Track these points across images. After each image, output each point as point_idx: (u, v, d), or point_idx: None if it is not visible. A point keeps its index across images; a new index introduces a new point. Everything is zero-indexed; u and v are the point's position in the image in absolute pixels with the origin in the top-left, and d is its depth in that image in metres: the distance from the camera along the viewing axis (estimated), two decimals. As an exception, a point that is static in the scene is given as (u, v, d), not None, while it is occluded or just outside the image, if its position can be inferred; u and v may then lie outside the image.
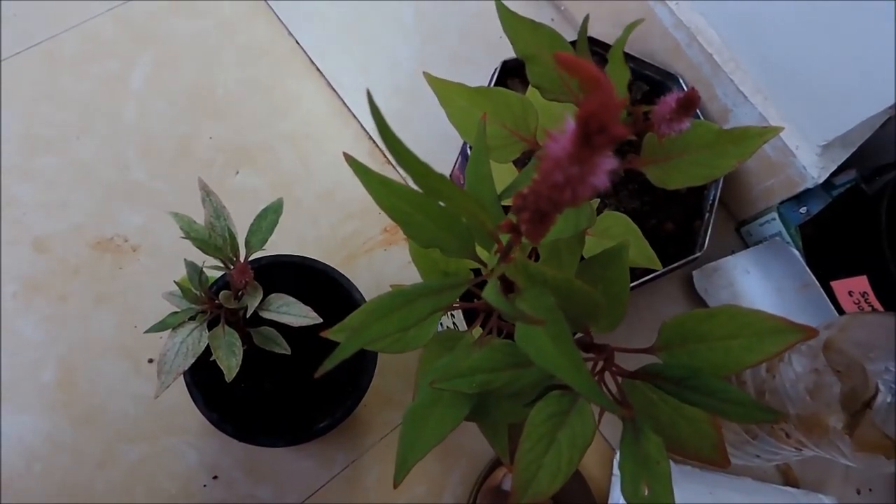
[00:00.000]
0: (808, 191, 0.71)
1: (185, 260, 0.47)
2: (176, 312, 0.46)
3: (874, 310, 0.68)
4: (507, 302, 0.26)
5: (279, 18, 0.83)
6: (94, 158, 0.74)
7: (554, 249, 0.34)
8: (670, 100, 0.29)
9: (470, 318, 0.61)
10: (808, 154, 0.69)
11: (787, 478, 0.73)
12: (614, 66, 0.33)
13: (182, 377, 0.54)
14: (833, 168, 0.69)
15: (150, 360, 0.68)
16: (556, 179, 0.18)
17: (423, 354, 0.39)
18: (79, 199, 0.72)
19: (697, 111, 0.74)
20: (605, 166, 0.18)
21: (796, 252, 0.73)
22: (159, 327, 0.45)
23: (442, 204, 0.30)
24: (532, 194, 0.20)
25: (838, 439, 0.54)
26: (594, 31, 0.76)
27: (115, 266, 0.70)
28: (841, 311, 0.71)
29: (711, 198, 0.71)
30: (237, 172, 0.75)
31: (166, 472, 0.65)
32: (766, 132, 0.33)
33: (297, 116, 0.79)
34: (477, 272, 0.34)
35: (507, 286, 0.34)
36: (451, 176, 0.73)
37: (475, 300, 0.38)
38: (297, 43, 0.82)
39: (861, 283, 0.68)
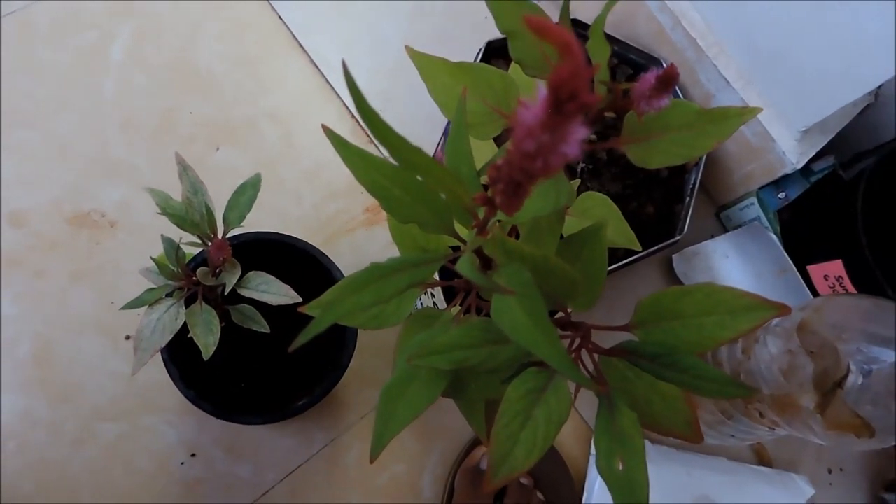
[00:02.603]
0: (787, 176, 0.72)
1: (161, 236, 0.46)
2: (153, 289, 0.45)
3: (848, 293, 0.69)
4: (480, 274, 0.26)
5: (262, -7, 0.82)
6: (73, 133, 0.73)
7: (533, 228, 0.34)
8: (650, 76, 0.29)
9: (450, 297, 0.61)
10: (787, 140, 0.70)
11: (761, 457, 0.75)
12: (595, 43, 0.33)
13: (160, 354, 0.54)
14: (812, 154, 0.70)
15: (128, 337, 0.67)
16: (528, 148, 0.18)
17: (401, 332, 0.39)
18: (56, 174, 0.71)
19: (679, 94, 0.75)
20: (576, 135, 0.18)
21: (774, 237, 0.74)
22: (136, 304, 0.45)
23: (420, 178, 0.30)
24: (505, 165, 0.20)
25: (810, 418, 0.55)
26: (580, 15, 0.76)
27: (93, 241, 0.69)
28: (816, 295, 0.72)
29: (692, 182, 0.72)
30: (218, 149, 0.75)
31: (144, 449, 0.64)
32: (746, 112, 0.33)
33: (280, 94, 0.78)
34: (456, 249, 0.34)
35: (486, 263, 0.34)
36: (433, 156, 0.73)
37: (455, 279, 0.38)
38: (281, 19, 0.81)
39: (836, 267, 0.69)
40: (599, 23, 0.33)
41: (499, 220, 0.34)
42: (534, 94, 0.18)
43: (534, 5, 0.38)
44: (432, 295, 0.62)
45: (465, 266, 0.27)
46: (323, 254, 0.59)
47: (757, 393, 0.56)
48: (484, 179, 0.34)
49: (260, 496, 0.65)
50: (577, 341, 0.35)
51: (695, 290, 0.33)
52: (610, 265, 0.66)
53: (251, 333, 0.50)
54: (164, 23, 0.78)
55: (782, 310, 0.31)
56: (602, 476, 0.31)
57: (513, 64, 0.41)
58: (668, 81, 0.28)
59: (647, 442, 0.35)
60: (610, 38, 0.75)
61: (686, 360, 0.31)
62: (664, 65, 0.75)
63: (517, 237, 0.38)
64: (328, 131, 0.32)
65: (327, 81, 0.79)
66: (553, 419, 0.31)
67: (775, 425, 0.59)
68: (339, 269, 0.59)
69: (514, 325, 0.26)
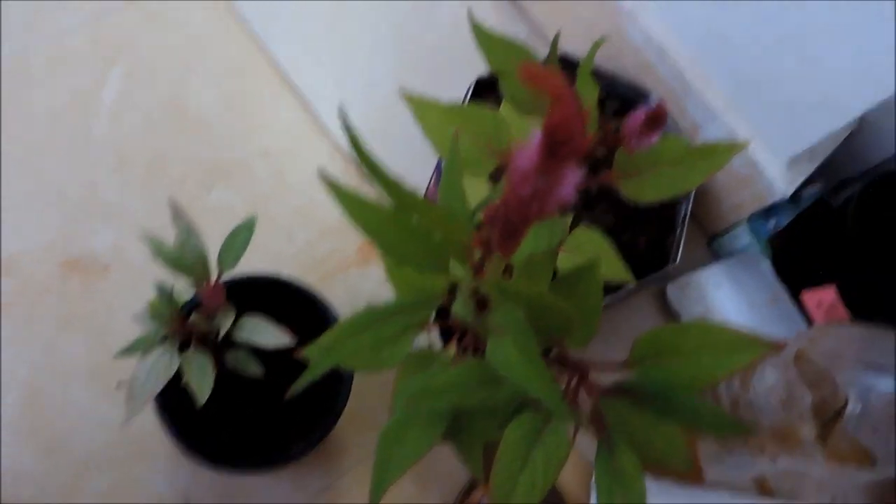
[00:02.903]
0: (776, 204, 0.72)
1: (155, 282, 0.46)
2: (145, 336, 0.45)
3: (843, 320, 0.69)
4: (473, 312, 0.26)
5: (254, 33, 0.83)
6: (64, 176, 0.73)
7: (527, 265, 0.34)
8: (640, 114, 0.29)
9: (446, 337, 0.61)
10: (775, 168, 0.71)
11: (763, 489, 0.74)
12: (583, 83, 0.33)
13: (153, 403, 0.53)
14: (800, 181, 0.71)
15: (119, 385, 0.66)
16: (524, 192, 0.19)
17: (398, 374, 0.39)
18: (47, 218, 0.71)
19: (669, 127, 0.75)
20: (571, 178, 0.18)
21: (766, 265, 0.74)
22: (129, 351, 0.44)
23: (414, 220, 0.30)
24: (502, 208, 0.20)
25: (811, 449, 0.54)
26: (566, 49, 0.77)
27: (85, 286, 0.69)
28: (811, 322, 0.72)
29: (683, 212, 0.72)
30: (210, 190, 0.75)
31: (136, 500, 0.63)
32: (734, 147, 0.34)
33: (271, 133, 0.78)
34: (452, 288, 0.33)
35: (482, 303, 0.34)
36: (426, 194, 0.73)
37: (451, 319, 0.38)
38: (272, 58, 0.82)
39: (829, 293, 0.69)
40: (587, 65, 0.33)
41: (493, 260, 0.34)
42: (528, 137, 0.18)
43: (524, 47, 0.39)
44: (428, 335, 0.62)
45: (461, 308, 0.26)
46: (317, 294, 0.59)
47: (755, 430, 0.56)
48: (479, 218, 0.34)
49: (255, 544, 0.63)
50: (575, 380, 0.34)
51: (690, 326, 0.33)
52: (604, 298, 0.66)
53: (245, 378, 0.50)
54: (155, 65, 0.79)
55: (776, 346, 0.31)
56: (605, 518, 0.30)
57: (504, 103, 0.42)
58: (658, 120, 0.29)
59: (646, 477, 0.35)
60: (597, 72, 0.77)
61: (685, 398, 0.31)
62: (651, 97, 0.76)
63: (510, 275, 0.38)
64: (323, 176, 0.33)
65: (318, 120, 0.80)
66: (552, 461, 0.30)
67: (776, 457, 0.59)
68: (333, 310, 0.59)
69: (507, 363, 0.26)
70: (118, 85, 0.77)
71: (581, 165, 0.19)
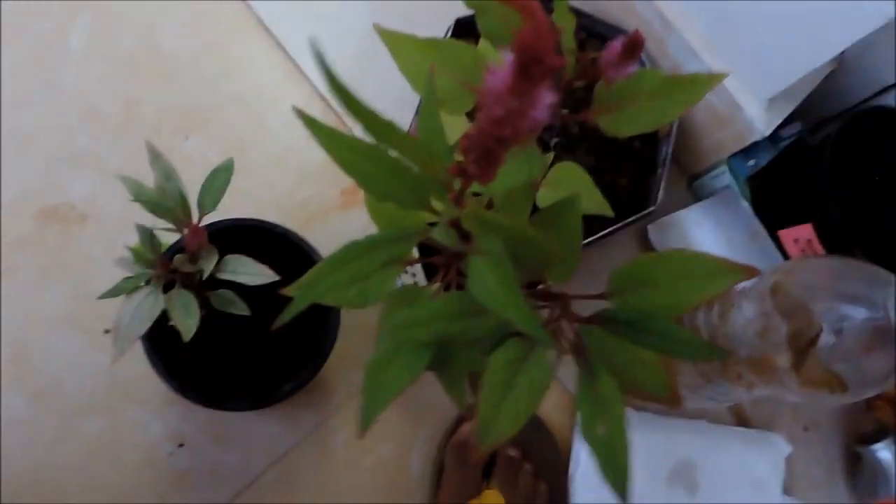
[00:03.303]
0: (755, 144, 0.73)
1: (136, 224, 0.46)
2: (130, 277, 0.45)
3: (818, 255, 0.70)
4: (455, 241, 0.27)
5: (224, -24, 0.80)
6: (34, 126, 0.71)
7: (506, 199, 0.34)
8: (616, 44, 0.29)
9: (430, 274, 0.61)
10: (755, 108, 0.71)
11: (740, 418, 0.77)
12: (560, 14, 0.33)
13: (141, 346, 0.54)
14: (779, 121, 0.71)
15: (106, 331, 0.66)
16: (498, 114, 0.19)
17: (383, 309, 0.40)
18: (20, 169, 0.70)
19: (647, 64, 0.75)
20: (544, 99, 0.18)
21: (745, 203, 0.75)
22: (113, 293, 0.44)
23: (394, 155, 0.30)
24: (477, 133, 0.21)
25: (786, 377, 0.56)
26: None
27: (63, 236, 0.68)
28: (788, 258, 0.74)
29: (664, 153, 0.73)
30: (187, 137, 0.74)
31: (129, 442, 0.64)
32: (713, 78, 0.34)
33: (246, 78, 0.77)
34: (434, 226, 0.34)
35: (464, 237, 0.34)
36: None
37: (435, 256, 0.38)
38: (246, 1, 0.79)
39: (806, 230, 0.70)
40: (565, -6, 0.33)
41: (475, 194, 0.35)
42: (501, 62, 0.18)
43: (501, -22, 0.38)
44: (413, 273, 0.62)
45: (441, 233, 0.27)
46: (301, 237, 0.59)
47: (730, 355, 0.58)
48: (457, 155, 0.34)
49: (249, 483, 0.65)
50: (557, 312, 0.35)
51: (668, 256, 0.33)
52: (586, 237, 0.67)
53: (233, 320, 0.50)
54: (123, 9, 0.76)
55: (751, 272, 0.32)
56: (586, 441, 0.31)
57: (482, 39, 0.41)
58: (635, 47, 0.29)
59: (628, 409, 0.36)
60: (577, 12, 0.75)
61: (662, 325, 0.32)
62: (632, 37, 0.75)
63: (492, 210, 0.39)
64: (301, 113, 0.32)
65: (295, 64, 0.78)
66: (535, 387, 0.31)
67: (753, 386, 0.61)
68: (318, 252, 0.59)
69: (485, 290, 0.26)
70: (86, 32, 0.75)
71: (559, 92, 0.19)
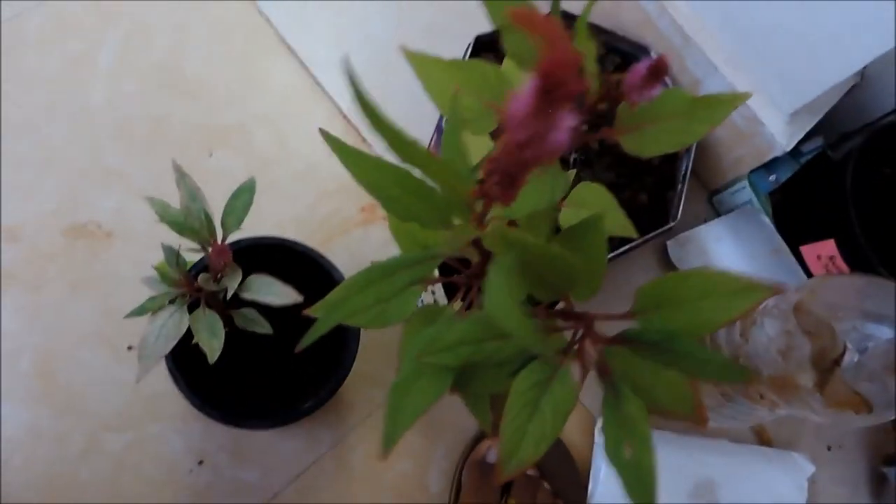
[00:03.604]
0: (776, 159, 0.72)
1: (161, 244, 0.46)
2: (155, 297, 0.45)
3: (841, 272, 0.69)
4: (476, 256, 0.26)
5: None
6: (64, 142, 0.73)
7: (530, 219, 0.34)
8: (640, 67, 0.29)
9: (450, 293, 0.62)
10: (776, 123, 0.70)
11: (762, 438, 0.76)
12: (581, 35, 0.33)
13: (165, 363, 0.54)
14: (800, 136, 0.71)
15: (130, 348, 0.67)
16: (520, 137, 0.19)
17: (404, 329, 0.40)
18: (49, 186, 0.71)
19: (668, 81, 0.75)
20: (566, 122, 0.18)
21: (766, 219, 0.75)
22: (138, 312, 0.45)
23: (417, 176, 0.30)
24: (500, 156, 0.21)
25: (810, 397, 0.56)
26: (571, 7, 0.76)
27: (90, 252, 0.69)
28: (810, 275, 0.73)
29: (684, 168, 0.72)
30: (211, 154, 0.75)
31: (151, 458, 0.65)
32: (737, 98, 0.34)
33: (269, 96, 0.78)
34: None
35: (486, 256, 0.35)
36: (426, 153, 0.73)
37: (455, 275, 0.38)
38: (268, 20, 0.81)
39: (829, 246, 0.69)
40: (584, 17, 0.33)
41: (496, 217, 0.35)
42: (524, 85, 0.18)
43: (528, 1, 0.38)
44: (433, 292, 0.62)
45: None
46: (321, 255, 0.59)
47: (755, 376, 0.57)
48: (480, 174, 0.35)
49: (269, 499, 0.65)
50: (581, 331, 0.35)
51: (692, 274, 0.33)
52: (606, 251, 0.67)
53: (255, 338, 0.50)
54: (150, 28, 0.78)
55: (776, 290, 0.31)
56: (611, 462, 0.31)
57: (506, 59, 0.42)
58: (659, 72, 0.29)
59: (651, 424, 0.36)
60: (597, 29, 0.76)
61: (686, 345, 0.31)
62: (652, 53, 0.75)
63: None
64: (325, 134, 0.33)
65: (317, 82, 0.79)
66: (560, 409, 0.31)
67: (775, 406, 0.60)
68: (338, 270, 0.59)
69: (492, 303, 0.26)
70: (115, 49, 0.77)
71: (581, 113, 0.20)
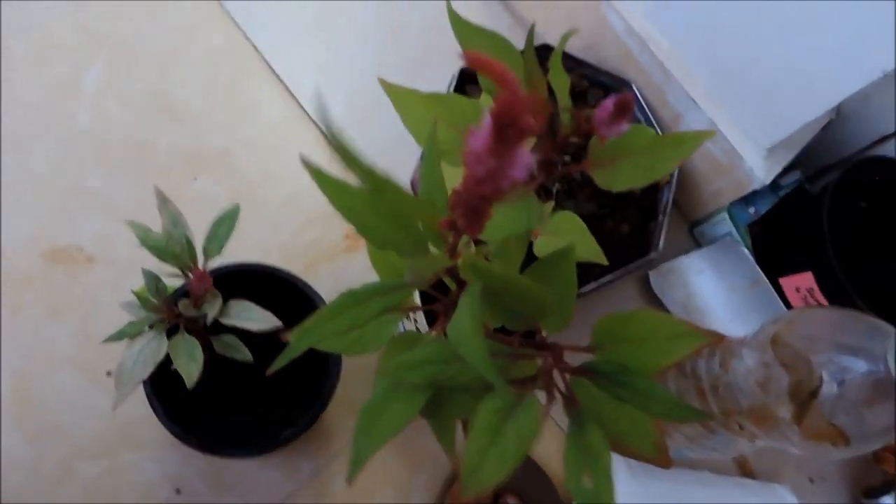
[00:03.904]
0: (756, 192, 0.74)
1: (142, 269, 0.46)
2: (134, 322, 0.45)
3: (819, 304, 0.70)
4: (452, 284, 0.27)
5: (235, 22, 0.83)
6: (46, 165, 0.73)
7: (501, 248, 0.35)
8: (608, 103, 0.30)
9: (431, 320, 0.62)
10: (754, 157, 0.72)
11: (744, 469, 0.76)
12: (555, 71, 0.34)
13: (142, 389, 0.54)
14: (778, 170, 0.72)
15: (109, 373, 0.67)
16: (479, 173, 0.20)
17: (381, 355, 0.40)
18: (30, 208, 0.71)
19: (649, 114, 0.76)
20: (522, 160, 0.19)
21: (746, 251, 0.76)
22: (117, 336, 0.45)
23: (393, 205, 0.31)
24: (462, 190, 0.21)
25: (788, 429, 0.56)
26: (550, 39, 0.78)
27: (70, 276, 0.69)
28: (789, 307, 0.74)
29: (665, 200, 0.73)
30: (195, 179, 0.75)
31: (127, 486, 0.64)
32: (701, 136, 0.35)
33: (255, 122, 0.79)
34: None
35: (461, 285, 0.35)
36: (411, 181, 0.74)
37: (435, 303, 0.39)
38: (255, 48, 0.82)
39: (807, 279, 0.70)
40: (558, 52, 0.34)
41: (477, 242, 0.36)
42: (481, 123, 0.19)
43: (502, 39, 0.40)
44: (415, 320, 0.63)
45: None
46: (304, 282, 0.60)
47: (708, 417, 0.58)
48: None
49: (246, 528, 0.64)
50: (550, 361, 0.35)
51: (637, 315, 0.34)
52: (586, 284, 0.67)
53: (235, 365, 0.50)
54: (137, 54, 0.79)
55: (716, 338, 0.32)
56: (572, 492, 0.31)
57: (483, 93, 0.43)
58: (625, 108, 0.30)
59: (627, 458, 0.36)
60: (579, 62, 0.77)
61: (638, 381, 0.32)
62: (633, 87, 0.77)
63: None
64: (305, 162, 0.33)
65: (302, 108, 0.80)
66: (523, 435, 0.31)
67: (755, 437, 0.60)
68: (320, 297, 0.59)
69: (456, 335, 0.27)
70: (100, 73, 0.77)
71: (546, 144, 0.20)
